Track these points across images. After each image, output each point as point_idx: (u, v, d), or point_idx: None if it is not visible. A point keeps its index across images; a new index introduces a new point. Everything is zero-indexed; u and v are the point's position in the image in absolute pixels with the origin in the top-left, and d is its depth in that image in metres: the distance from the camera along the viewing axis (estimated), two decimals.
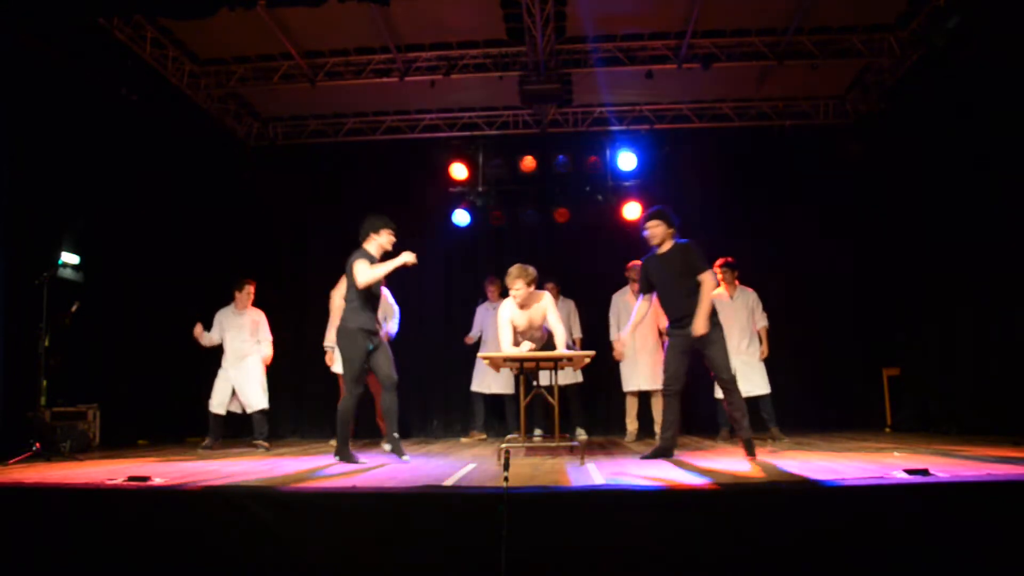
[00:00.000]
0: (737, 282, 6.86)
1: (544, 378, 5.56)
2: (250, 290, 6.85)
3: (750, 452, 4.66)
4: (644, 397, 7.17)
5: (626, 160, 8.36)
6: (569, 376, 7.32)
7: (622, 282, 7.22)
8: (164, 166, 7.79)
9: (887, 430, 7.52)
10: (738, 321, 6.64)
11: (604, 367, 7.26)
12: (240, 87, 7.92)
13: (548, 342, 5.55)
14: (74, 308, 5.90)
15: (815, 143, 8.44)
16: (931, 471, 3.23)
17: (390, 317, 6.71)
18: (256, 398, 6.73)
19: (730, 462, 4.48)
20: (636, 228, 8.24)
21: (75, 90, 6.53)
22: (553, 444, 5.46)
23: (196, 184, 8.29)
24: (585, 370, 7.34)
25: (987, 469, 3.64)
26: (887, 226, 7.91)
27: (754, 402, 6.47)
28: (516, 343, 5.47)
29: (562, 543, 2.90)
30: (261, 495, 3.15)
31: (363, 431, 7.13)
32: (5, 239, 5.73)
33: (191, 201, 8.21)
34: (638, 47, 7.45)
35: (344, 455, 4.90)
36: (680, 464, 4.48)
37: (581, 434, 7.57)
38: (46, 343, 5.56)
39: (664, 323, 6.99)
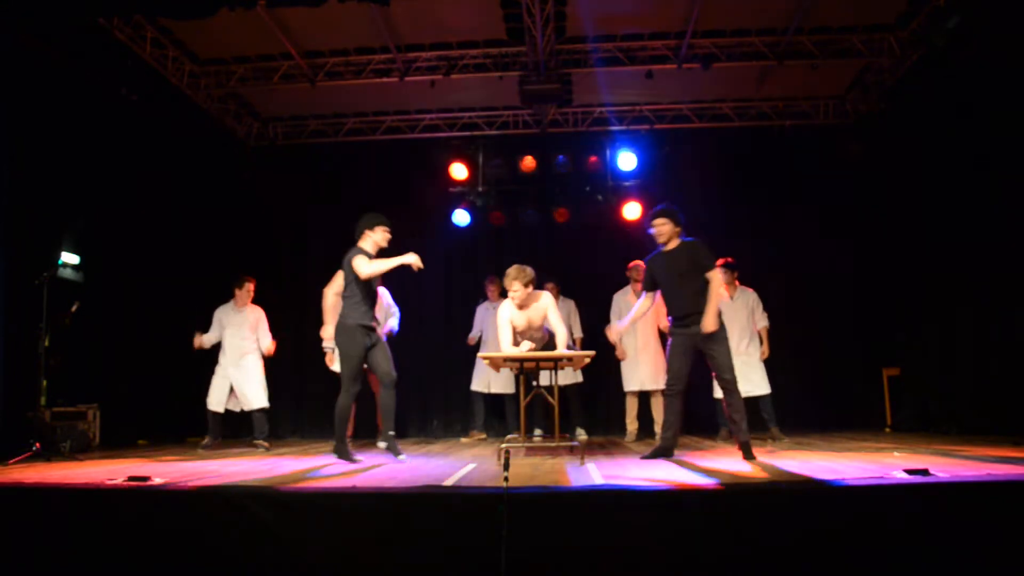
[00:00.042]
0: (737, 282, 6.86)
1: (544, 378, 5.56)
2: (250, 288, 6.85)
3: (747, 455, 4.64)
4: (644, 397, 7.17)
5: (626, 160, 8.37)
6: (569, 376, 7.32)
7: (622, 282, 7.22)
8: (164, 166, 7.79)
9: (887, 430, 7.52)
10: (738, 321, 6.63)
11: (604, 367, 7.28)
12: (240, 87, 7.92)
13: (549, 342, 5.55)
14: (74, 308, 5.90)
15: (815, 143, 8.44)
16: (931, 471, 3.23)
17: (390, 317, 6.72)
18: (255, 397, 6.73)
19: (730, 462, 4.48)
20: (636, 228, 8.34)
21: (75, 90, 6.52)
22: (553, 444, 5.46)
23: (196, 184, 8.29)
24: (585, 370, 7.35)
25: (987, 469, 3.64)
26: (887, 226, 7.91)
27: (754, 402, 6.47)
28: (516, 343, 5.47)
29: (562, 543, 2.90)
30: (261, 495, 3.15)
31: (363, 431, 7.13)
32: (5, 239, 5.73)
33: (191, 201, 8.21)
34: (638, 47, 7.45)
35: (341, 452, 4.90)
36: (680, 464, 4.48)
37: (581, 434, 7.57)
38: (46, 343, 5.56)
39: (665, 323, 7.01)
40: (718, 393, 6.53)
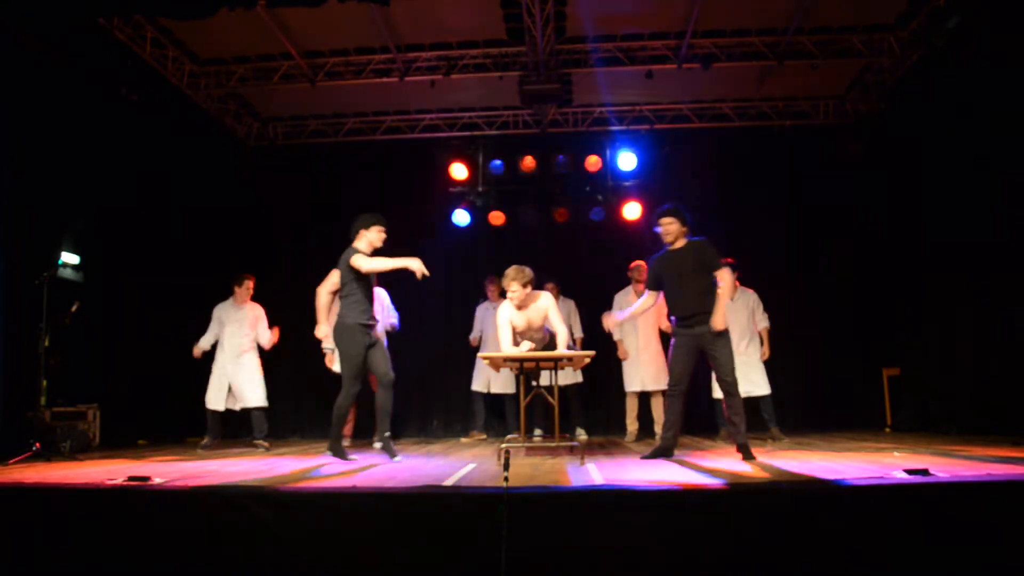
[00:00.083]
0: (737, 283, 6.86)
1: (544, 378, 5.56)
2: (249, 285, 6.85)
3: (747, 456, 4.62)
4: (644, 397, 7.17)
5: (626, 160, 8.37)
6: (569, 376, 7.32)
7: (622, 282, 7.22)
8: (164, 166, 7.79)
9: (887, 430, 7.52)
10: (738, 322, 6.63)
11: (604, 367, 7.28)
12: (240, 87, 7.92)
13: (550, 343, 5.55)
14: (74, 308, 5.90)
15: (815, 143, 8.44)
16: (931, 471, 3.23)
17: (388, 319, 6.74)
18: (253, 395, 6.72)
19: (730, 462, 4.48)
20: (636, 228, 8.35)
21: (75, 90, 6.52)
22: (553, 444, 5.46)
23: (196, 184, 8.29)
24: (585, 370, 7.35)
25: (987, 469, 3.64)
26: (887, 226, 7.91)
27: (754, 402, 6.48)
28: (516, 343, 5.47)
29: (562, 543, 2.90)
30: (261, 495, 3.15)
31: (363, 430, 7.12)
32: (5, 239, 5.73)
33: (191, 201, 8.21)
34: (638, 47, 7.45)
35: (336, 451, 4.90)
36: (680, 464, 4.48)
37: (581, 434, 7.57)
38: (46, 343, 5.56)
39: (666, 324, 7.02)
40: (718, 393, 6.53)
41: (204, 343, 6.72)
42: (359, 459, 5.01)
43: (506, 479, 3.12)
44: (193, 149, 8.21)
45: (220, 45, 7.37)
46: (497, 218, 8.63)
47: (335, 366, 6.50)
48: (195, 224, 8.24)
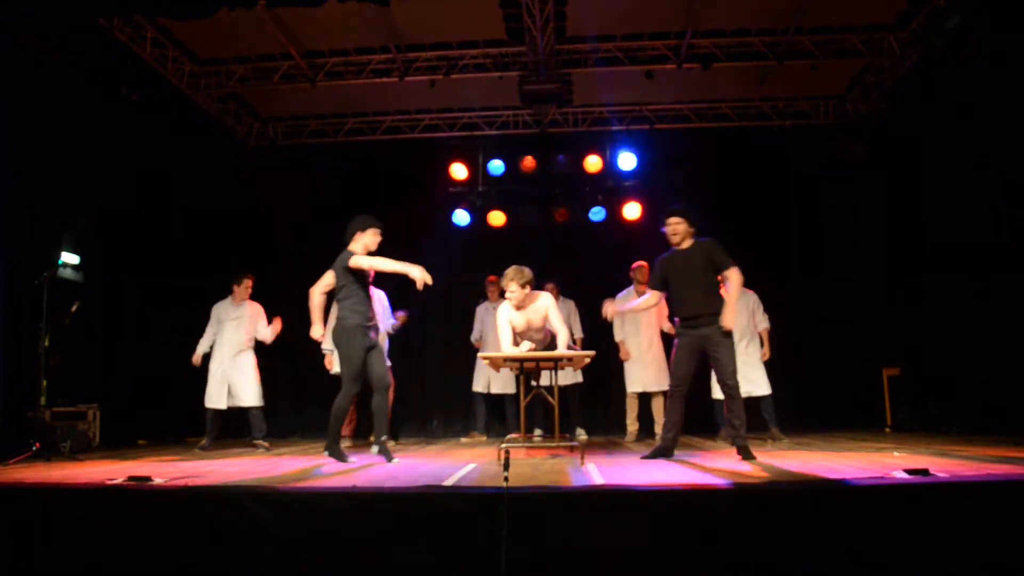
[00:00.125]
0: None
1: (544, 378, 5.56)
2: (248, 284, 6.84)
3: (746, 458, 4.62)
4: (644, 398, 7.17)
5: (626, 160, 8.37)
6: (569, 376, 7.32)
7: (622, 282, 7.20)
8: (164, 166, 7.79)
9: (887, 430, 7.52)
10: (738, 323, 6.56)
11: (605, 367, 7.27)
12: (240, 87, 7.92)
13: (551, 343, 5.54)
14: (74, 308, 5.90)
15: (815, 143, 8.44)
16: (931, 471, 3.23)
17: (387, 320, 6.75)
18: (250, 394, 6.71)
19: (730, 462, 4.48)
20: (636, 228, 8.35)
21: (75, 90, 6.52)
22: (553, 444, 5.46)
23: (196, 184, 8.29)
24: (585, 370, 7.35)
25: (987, 469, 3.64)
26: (887, 226, 7.91)
27: (754, 402, 6.48)
28: (515, 343, 5.46)
29: (562, 543, 2.90)
30: (261, 495, 3.15)
31: (363, 430, 7.12)
32: (5, 239, 5.73)
33: (191, 201, 8.21)
34: (638, 47, 7.46)
35: (334, 452, 4.89)
36: (680, 464, 4.48)
37: (581, 434, 7.57)
38: (46, 343, 5.55)
39: (668, 326, 7.02)
40: (717, 394, 6.53)
41: (202, 347, 6.71)
42: (358, 461, 5.00)
43: (506, 479, 3.12)
44: (193, 149, 8.21)
45: (220, 45, 7.37)
46: (497, 218, 8.63)
47: (334, 367, 6.50)
48: (195, 224, 8.24)
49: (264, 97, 8.36)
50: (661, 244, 5.11)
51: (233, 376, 6.69)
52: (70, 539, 3.14)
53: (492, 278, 7.57)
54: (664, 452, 4.87)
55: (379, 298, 6.89)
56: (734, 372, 4.70)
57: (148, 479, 3.53)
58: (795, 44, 7.26)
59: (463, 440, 7.56)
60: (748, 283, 6.90)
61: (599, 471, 4.14)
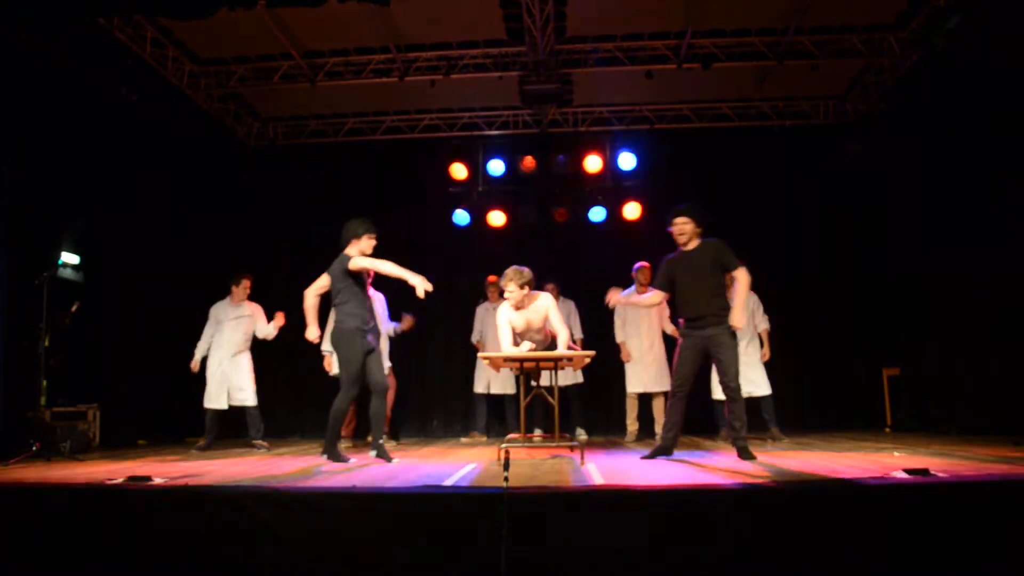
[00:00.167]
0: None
1: (544, 378, 5.56)
2: (247, 285, 6.83)
3: (746, 458, 4.62)
4: (644, 398, 7.17)
5: (626, 160, 8.37)
6: (569, 377, 7.32)
7: (623, 283, 7.16)
8: (164, 166, 7.80)
9: (887, 430, 7.52)
10: None
11: (605, 368, 7.27)
12: (240, 87, 7.92)
13: (551, 344, 5.53)
14: (74, 308, 5.90)
15: (815, 143, 8.44)
16: (931, 471, 3.23)
17: (387, 322, 6.77)
18: (247, 393, 6.71)
19: (730, 462, 4.48)
20: (636, 228, 8.35)
21: (75, 90, 6.53)
22: (553, 444, 5.46)
23: (196, 184, 8.29)
24: (585, 371, 7.35)
25: (987, 469, 3.65)
26: (887, 226, 7.91)
27: (755, 402, 6.48)
28: (515, 344, 5.46)
29: (562, 543, 2.90)
30: (261, 495, 3.15)
31: (364, 431, 7.12)
32: (5, 239, 5.73)
33: (191, 201, 8.21)
34: (638, 47, 7.46)
35: (332, 454, 4.89)
36: (680, 464, 4.48)
37: (581, 434, 7.57)
38: (46, 343, 5.55)
39: (670, 327, 7.02)
40: (717, 394, 6.54)
41: (200, 350, 6.69)
42: (357, 462, 5.00)
43: (506, 479, 3.12)
44: (193, 149, 8.21)
45: (220, 45, 7.37)
46: (497, 218, 8.63)
47: (333, 369, 6.50)
48: (195, 224, 8.24)
49: (264, 97, 8.36)
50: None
51: (232, 376, 6.68)
52: (70, 539, 3.14)
53: (492, 278, 7.57)
54: (664, 451, 4.87)
55: (379, 300, 6.90)
56: (736, 374, 4.70)
57: (148, 479, 3.53)
58: (795, 44, 7.26)
59: (463, 440, 7.56)
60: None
61: (599, 471, 4.14)
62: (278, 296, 7.71)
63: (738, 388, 4.71)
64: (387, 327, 6.95)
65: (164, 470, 4.42)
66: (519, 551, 2.80)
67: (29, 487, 3.61)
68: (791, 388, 7.50)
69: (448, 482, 3.70)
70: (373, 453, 5.14)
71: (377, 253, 5.12)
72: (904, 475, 3.18)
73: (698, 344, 4.78)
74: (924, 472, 3.21)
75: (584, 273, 8.30)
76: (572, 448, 5.54)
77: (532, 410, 7.00)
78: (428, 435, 8.40)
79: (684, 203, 4.97)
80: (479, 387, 7.71)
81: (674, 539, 2.90)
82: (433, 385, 8.61)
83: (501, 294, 5.45)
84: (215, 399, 6.64)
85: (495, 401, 7.82)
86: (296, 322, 8.13)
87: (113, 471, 4.26)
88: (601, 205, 8.51)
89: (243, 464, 5.00)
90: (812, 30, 7.19)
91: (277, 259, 8.66)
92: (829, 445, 5.67)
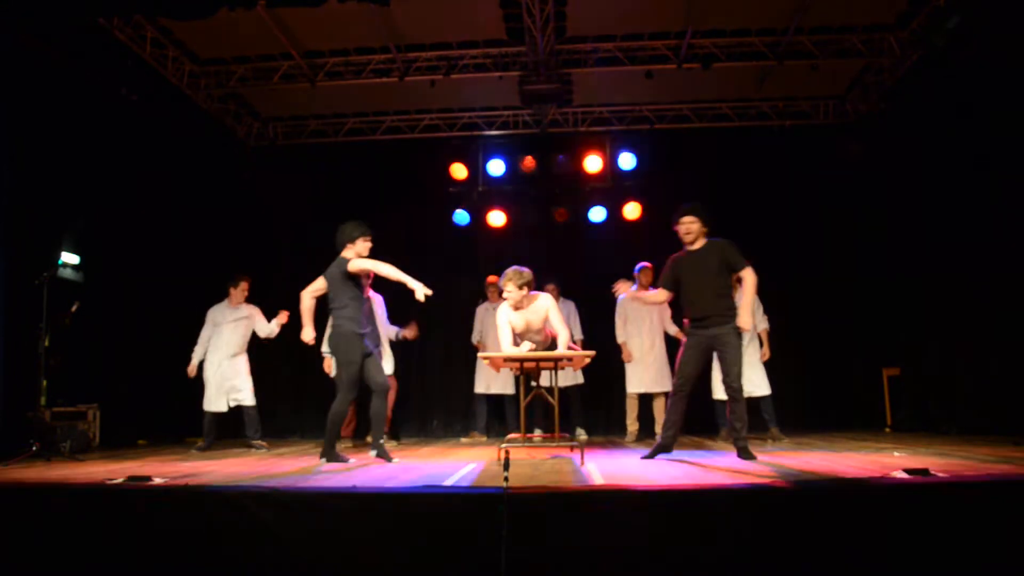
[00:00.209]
0: (737, 284, 6.85)
1: (544, 378, 5.56)
2: (245, 286, 6.82)
3: (746, 458, 4.63)
4: (645, 398, 7.17)
5: (626, 160, 8.37)
6: (570, 377, 7.31)
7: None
8: (164, 166, 7.80)
9: (887, 430, 7.52)
10: None
11: (605, 368, 7.28)
12: (240, 87, 7.92)
13: (551, 345, 5.52)
14: (74, 308, 5.90)
15: (815, 143, 8.44)
16: (931, 471, 3.23)
17: (386, 326, 6.77)
18: (246, 393, 6.70)
19: (730, 462, 4.48)
20: (636, 228, 8.35)
21: (75, 90, 6.53)
22: (553, 444, 5.46)
23: (196, 184, 8.29)
24: (585, 371, 7.35)
25: (987, 469, 3.65)
26: (887, 226, 7.91)
27: (754, 402, 6.47)
28: (515, 344, 5.46)
29: (562, 543, 2.90)
30: (261, 495, 3.14)
31: (364, 431, 7.12)
32: (5, 239, 5.73)
33: (191, 201, 8.21)
34: (638, 47, 7.46)
35: (332, 458, 4.88)
36: (681, 464, 4.48)
37: (581, 434, 7.57)
38: (46, 343, 5.55)
39: (674, 329, 7.03)
40: (717, 394, 6.54)
41: (198, 355, 6.68)
42: (356, 461, 5.00)
43: (506, 479, 3.12)
44: (193, 149, 8.21)
45: (220, 45, 7.37)
46: (497, 218, 8.64)
47: (333, 371, 6.49)
48: (195, 224, 8.24)
49: (264, 97, 8.36)
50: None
51: (230, 378, 6.68)
52: (70, 539, 3.14)
53: (492, 279, 7.57)
54: (663, 449, 4.88)
55: (378, 301, 6.90)
56: (739, 374, 4.70)
57: (148, 479, 3.53)
58: (795, 44, 7.26)
59: (463, 440, 7.56)
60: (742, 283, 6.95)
61: (599, 471, 4.14)
62: (278, 296, 7.71)
63: (740, 388, 4.71)
64: (388, 330, 6.95)
65: (164, 470, 4.42)
66: (519, 551, 2.80)
67: (29, 487, 3.61)
68: (791, 388, 7.50)
69: (448, 482, 3.70)
70: (373, 453, 5.14)
71: (377, 254, 5.12)
72: (904, 475, 3.18)
73: (703, 344, 4.78)
74: (924, 472, 3.20)
75: (584, 273, 8.29)
76: (572, 448, 5.54)
77: (532, 410, 7.00)
78: (428, 435, 8.40)
79: (691, 202, 4.95)
80: (479, 387, 7.71)
81: (674, 539, 2.90)
82: (433, 385, 8.61)
83: (501, 294, 5.45)
84: (214, 402, 6.64)
85: (495, 401, 7.82)
86: (296, 322, 8.17)
87: (113, 471, 4.26)
88: (601, 205, 8.51)
89: (243, 464, 5.00)
90: (812, 30, 7.19)
91: (277, 259, 8.65)
92: (829, 445, 5.67)
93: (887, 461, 4.21)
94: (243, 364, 6.77)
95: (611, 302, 7.22)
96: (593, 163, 8.44)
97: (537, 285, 5.45)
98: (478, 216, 8.60)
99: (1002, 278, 6.02)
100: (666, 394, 6.73)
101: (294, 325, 7.94)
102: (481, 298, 7.90)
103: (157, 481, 3.51)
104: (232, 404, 6.68)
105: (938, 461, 4.07)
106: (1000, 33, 5.79)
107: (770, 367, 6.73)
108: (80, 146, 6.62)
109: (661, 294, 5.10)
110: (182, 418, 7.66)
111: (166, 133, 7.75)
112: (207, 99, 7.97)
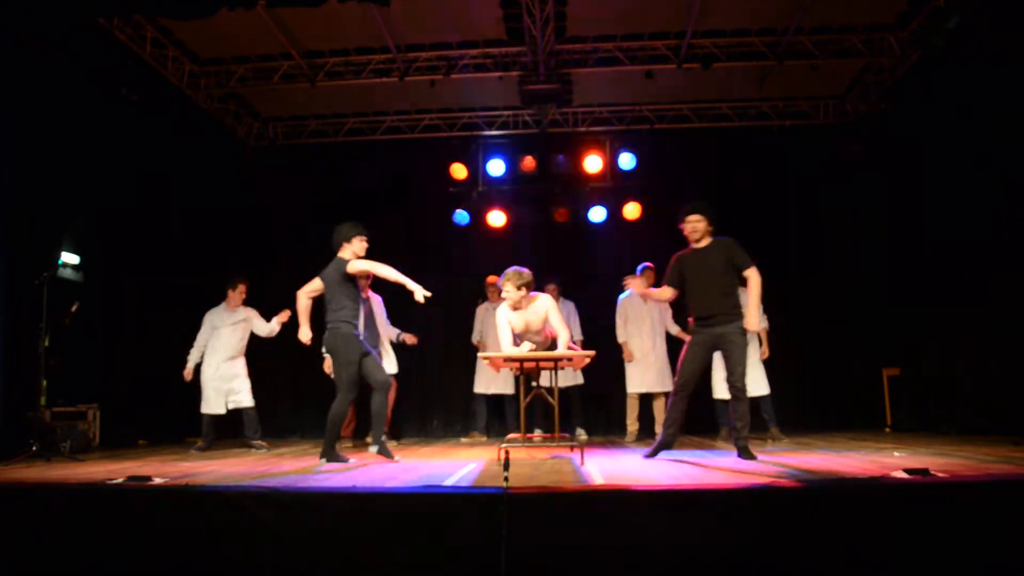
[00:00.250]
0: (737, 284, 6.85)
1: (544, 378, 5.56)
2: (243, 289, 6.82)
3: (747, 458, 4.62)
4: (645, 398, 7.17)
5: (626, 160, 8.37)
6: (570, 378, 7.31)
7: (622, 283, 7.18)
8: (164, 166, 7.80)
9: (887, 430, 7.52)
10: None
11: (605, 368, 7.28)
12: (240, 87, 7.92)
13: (551, 345, 5.52)
14: (74, 308, 5.90)
15: (815, 143, 8.44)
16: (931, 471, 3.23)
17: (387, 327, 6.77)
18: (244, 395, 6.70)
19: (730, 462, 4.48)
20: (636, 228, 8.35)
21: (75, 90, 6.53)
22: (553, 444, 5.46)
23: (196, 184, 8.29)
24: (585, 371, 7.35)
25: (987, 469, 3.65)
26: (887, 226, 7.91)
27: (754, 402, 6.46)
28: (515, 344, 5.46)
29: (562, 543, 2.90)
30: (261, 495, 3.14)
31: (364, 431, 7.12)
32: (5, 239, 5.73)
33: (191, 201, 8.21)
34: (638, 47, 7.46)
35: (332, 458, 4.89)
36: (680, 463, 4.48)
37: (581, 434, 7.57)
38: (46, 343, 5.55)
39: (675, 328, 7.03)
40: (718, 394, 6.54)
41: (194, 358, 6.68)
42: (356, 461, 5.00)
43: (506, 479, 3.12)
44: (193, 149, 8.21)
45: (220, 45, 7.37)
46: (497, 218, 8.64)
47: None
48: (195, 224, 8.24)
49: (264, 97, 8.36)
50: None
51: (229, 380, 6.67)
52: (70, 539, 3.14)
53: (492, 279, 7.57)
54: (665, 446, 4.90)
55: (378, 302, 6.90)
56: (743, 374, 4.69)
57: (148, 479, 3.53)
58: (795, 44, 7.26)
59: (463, 440, 7.56)
60: (744, 283, 6.95)
61: (599, 471, 4.14)
62: (278, 296, 7.70)
63: (744, 388, 4.70)
64: (389, 331, 6.95)
65: (164, 470, 4.42)
66: (519, 551, 2.80)
67: (29, 487, 3.61)
68: (791, 388, 7.51)
69: (448, 482, 3.70)
70: (375, 449, 5.14)
71: (377, 254, 5.12)
72: (904, 475, 3.18)
73: (708, 342, 4.77)
74: (924, 472, 3.20)
75: (584, 273, 8.30)
76: (572, 448, 5.54)
77: (532, 410, 6.99)
78: (428, 435, 8.40)
79: (697, 201, 4.94)
80: (479, 387, 7.71)
81: (674, 539, 2.90)
82: (433, 385, 8.61)
83: (500, 294, 5.45)
84: (213, 404, 6.64)
85: (495, 401, 7.82)
86: (293, 322, 8.16)
87: (113, 471, 4.26)
88: (601, 205, 8.51)
89: (243, 464, 5.00)
90: (812, 30, 7.19)
91: (277, 259, 8.65)
92: (829, 445, 5.67)
93: (887, 461, 4.21)
94: (241, 367, 6.76)
95: (611, 302, 7.23)
96: (593, 163, 8.45)
97: (537, 285, 5.45)
98: (478, 216, 8.60)
99: (1002, 278, 6.01)
100: (666, 394, 6.73)
101: (294, 325, 7.96)
102: (481, 298, 7.90)
103: (157, 481, 3.51)
104: (231, 407, 6.68)
105: (938, 461, 4.08)
106: (1000, 33, 5.79)
107: (770, 367, 6.73)
108: (80, 146, 6.62)
109: (667, 291, 5.09)
110: (182, 418, 7.65)
111: (166, 133, 7.75)
112: (207, 99, 7.97)
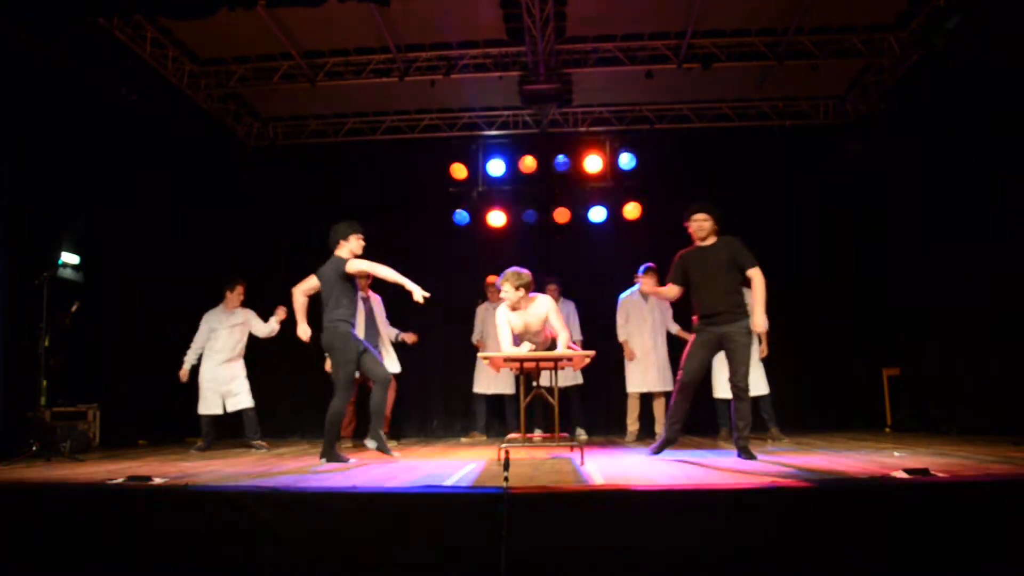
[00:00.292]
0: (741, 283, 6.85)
1: (544, 378, 5.55)
2: (241, 290, 6.82)
3: (747, 458, 4.63)
4: (645, 398, 7.17)
5: (626, 160, 8.38)
6: (570, 378, 7.31)
7: (623, 283, 7.19)
8: (164, 166, 7.79)
9: (887, 430, 7.52)
10: None
11: (605, 368, 7.27)
12: (240, 87, 7.92)
13: (551, 346, 5.52)
14: (74, 308, 5.90)
15: (815, 143, 8.44)
16: (931, 471, 3.23)
17: (387, 327, 6.77)
18: (243, 396, 6.70)
19: (731, 461, 4.48)
20: (636, 228, 8.35)
21: (75, 90, 6.53)
22: (553, 444, 5.46)
23: (196, 184, 8.29)
24: (585, 371, 7.34)
25: (987, 469, 3.65)
26: (887, 226, 7.91)
27: (754, 402, 6.46)
28: (515, 344, 5.45)
29: (562, 543, 2.90)
30: (261, 495, 3.14)
31: (364, 431, 7.11)
32: (5, 239, 5.73)
33: (191, 201, 8.21)
34: (638, 47, 7.46)
35: (332, 458, 4.89)
36: (681, 463, 4.48)
37: (581, 434, 7.57)
38: (46, 343, 5.56)
39: (674, 327, 7.02)
40: (719, 394, 6.54)
41: (190, 360, 6.66)
42: (356, 461, 5.00)
43: (506, 479, 3.12)
44: (193, 149, 8.21)
45: (220, 45, 7.37)
46: (497, 218, 8.64)
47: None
48: (195, 224, 8.24)
49: (264, 97, 8.36)
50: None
51: (227, 382, 6.67)
52: (70, 539, 3.14)
53: (492, 279, 7.57)
54: (669, 443, 4.93)
55: (377, 302, 6.90)
56: (746, 374, 4.69)
57: (148, 479, 3.53)
58: (795, 44, 7.26)
59: (463, 440, 7.56)
60: (746, 283, 6.94)
61: (599, 471, 4.14)
62: (278, 296, 7.71)
63: (746, 388, 4.70)
64: (389, 331, 6.95)
65: (164, 470, 4.42)
66: (519, 551, 2.80)
67: (29, 487, 3.61)
68: (791, 388, 7.51)
69: (448, 482, 3.70)
70: (372, 445, 5.14)
71: (376, 254, 5.13)
72: (904, 475, 3.18)
73: (712, 340, 4.77)
74: (924, 472, 3.20)
75: (584, 273, 8.30)
76: (572, 448, 5.54)
77: (532, 410, 6.99)
78: (428, 435, 8.40)
79: (702, 200, 4.95)
80: (479, 387, 7.71)
81: (674, 539, 2.90)
82: (433, 385, 8.61)
83: (499, 294, 5.44)
84: (211, 405, 6.64)
85: (495, 401, 7.82)
86: (293, 322, 8.17)
87: (113, 471, 4.26)
88: (601, 205, 8.51)
89: (242, 464, 5.00)
90: (812, 30, 7.19)
91: (277, 259, 8.64)
92: (829, 445, 5.67)
93: (887, 461, 4.21)
94: (240, 368, 6.76)
95: (611, 302, 7.23)
96: (593, 163, 8.45)
97: (537, 286, 5.44)
98: (478, 216, 8.60)
99: (1002, 278, 6.01)
100: (666, 394, 6.73)
101: (292, 324, 7.95)
102: (481, 298, 7.90)
103: (157, 481, 3.51)
104: (231, 408, 6.68)
105: (938, 461, 4.07)
106: (1000, 33, 5.79)
107: (770, 367, 6.73)
108: (80, 146, 6.62)
109: (673, 289, 5.09)
110: (182, 418, 7.64)
111: (166, 133, 7.75)
112: (207, 99, 7.97)
